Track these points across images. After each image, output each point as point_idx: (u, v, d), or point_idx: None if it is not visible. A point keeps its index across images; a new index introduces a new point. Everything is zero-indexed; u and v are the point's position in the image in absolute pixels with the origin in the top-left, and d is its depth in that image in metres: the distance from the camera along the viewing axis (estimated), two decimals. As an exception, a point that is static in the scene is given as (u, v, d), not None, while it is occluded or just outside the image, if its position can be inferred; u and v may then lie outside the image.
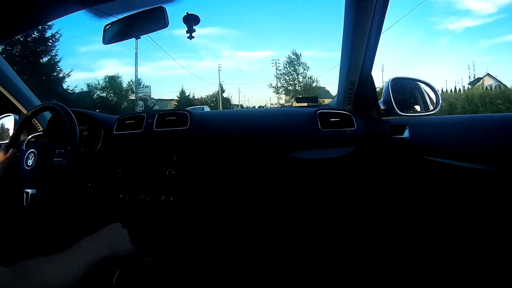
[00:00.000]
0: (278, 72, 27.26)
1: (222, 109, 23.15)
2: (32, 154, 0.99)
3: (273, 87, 27.48)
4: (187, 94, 27.66)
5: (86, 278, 0.57)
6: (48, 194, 0.93)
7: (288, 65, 26.80)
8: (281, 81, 26.96)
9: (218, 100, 28.91)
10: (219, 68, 30.63)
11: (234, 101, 32.09)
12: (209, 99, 29.78)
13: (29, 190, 0.95)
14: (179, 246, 1.22)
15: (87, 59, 34.19)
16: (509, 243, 0.71)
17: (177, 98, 27.10)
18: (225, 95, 30.55)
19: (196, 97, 28.91)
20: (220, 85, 29.80)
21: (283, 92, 26.89)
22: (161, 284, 0.90)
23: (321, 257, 1.31)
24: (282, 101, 26.45)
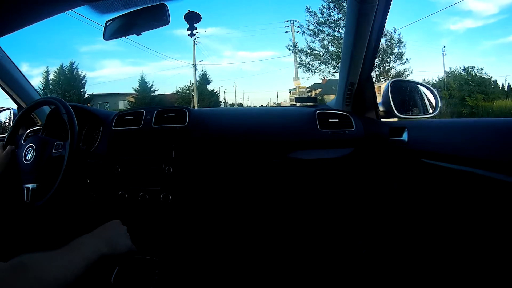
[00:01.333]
0: (310, 26, 13.50)
1: (199, 106, 17.32)
2: (30, 148, 0.98)
3: (299, 51, 14.23)
4: (149, 85, 19.63)
5: (85, 275, 0.57)
6: (49, 188, 0.92)
7: (333, 5, 12.65)
8: (317, 42, 13.56)
9: (194, 89, 19.57)
10: (194, 41, 19.26)
11: (230, 100, 26.64)
12: (185, 92, 20.61)
13: (29, 185, 0.94)
14: (178, 244, 1.23)
15: (88, 59, 33.84)
16: (507, 246, 0.72)
17: (135, 92, 19.77)
18: (219, 93, 22.54)
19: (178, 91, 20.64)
20: (195, 65, 19.63)
21: (321, 66, 13.53)
22: (160, 282, 0.91)
23: (319, 257, 1.31)
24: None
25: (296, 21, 15.40)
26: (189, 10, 1.32)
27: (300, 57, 14.67)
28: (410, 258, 1.12)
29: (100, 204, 1.22)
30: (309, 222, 1.36)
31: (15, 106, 1.49)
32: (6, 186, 0.96)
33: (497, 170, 0.68)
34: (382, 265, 1.21)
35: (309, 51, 14.00)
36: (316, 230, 1.36)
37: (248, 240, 1.37)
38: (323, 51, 13.67)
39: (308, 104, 1.48)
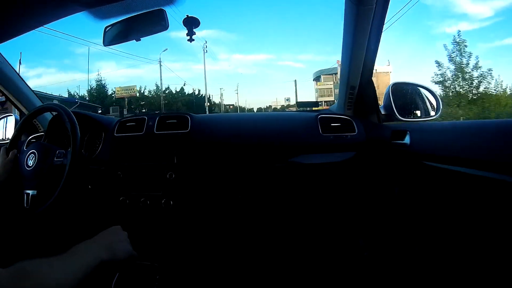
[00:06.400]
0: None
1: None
2: (32, 154, 0.99)
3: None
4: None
5: (85, 281, 0.56)
6: (49, 195, 0.92)
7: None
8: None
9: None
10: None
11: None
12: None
13: (30, 191, 0.94)
14: (179, 250, 1.22)
15: (84, 60, 34.21)
16: (510, 248, 0.71)
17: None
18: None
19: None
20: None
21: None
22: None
23: (320, 260, 1.30)
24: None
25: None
26: (187, 15, 1.32)
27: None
28: (412, 261, 1.10)
29: (101, 210, 1.22)
30: (311, 226, 1.35)
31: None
32: (9, 191, 0.97)
33: (500, 171, 0.67)
34: (383, 268, 1.20)
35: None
36: (317, 234, 1.35)
37: (250, 246, 1.36)
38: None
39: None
